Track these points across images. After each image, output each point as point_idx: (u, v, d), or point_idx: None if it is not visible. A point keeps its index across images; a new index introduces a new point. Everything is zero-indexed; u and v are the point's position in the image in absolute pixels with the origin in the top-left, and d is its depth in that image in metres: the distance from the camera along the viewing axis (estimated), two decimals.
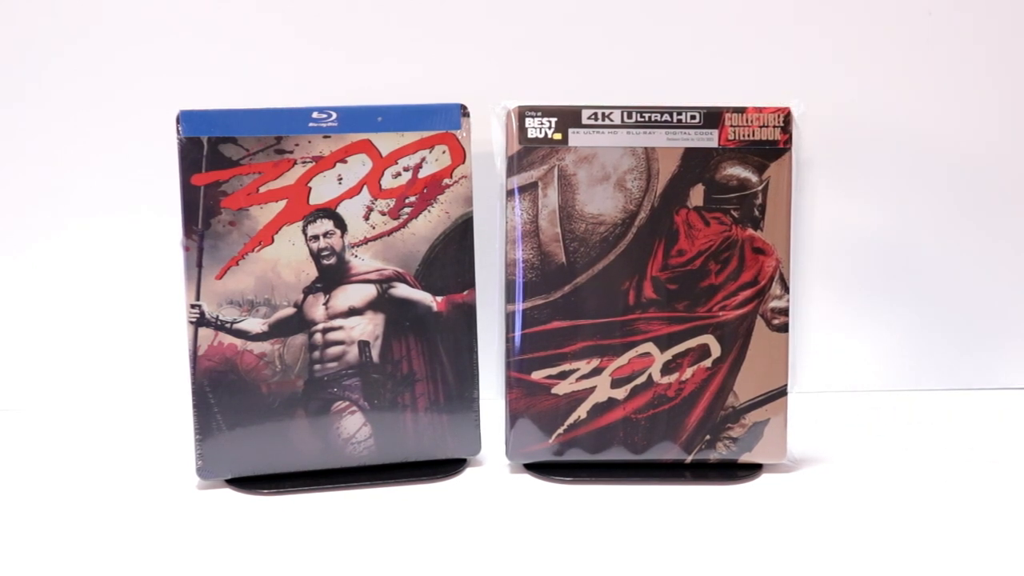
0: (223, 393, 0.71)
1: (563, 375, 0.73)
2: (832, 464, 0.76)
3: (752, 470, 0.74)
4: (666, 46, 0.88)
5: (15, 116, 0.87)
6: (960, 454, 0.79)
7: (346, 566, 0.61)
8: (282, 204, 0.71)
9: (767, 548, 0.63)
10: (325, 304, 0.72)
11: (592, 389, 0.73)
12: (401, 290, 0.73)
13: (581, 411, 0.73)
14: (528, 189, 0.73)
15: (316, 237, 0.72)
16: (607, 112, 0.72)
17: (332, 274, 0.72)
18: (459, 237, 0.74)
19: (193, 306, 0.71)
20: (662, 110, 0.72)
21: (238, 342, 0.71)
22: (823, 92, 0.89)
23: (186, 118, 0.70)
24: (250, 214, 0.71)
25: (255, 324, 0.72)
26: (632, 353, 0.73)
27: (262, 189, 0.71)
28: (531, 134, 0.72)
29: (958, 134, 0.91)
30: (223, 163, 0.70)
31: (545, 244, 0.73)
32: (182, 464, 0.74)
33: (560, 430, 0.73)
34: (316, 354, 0.72)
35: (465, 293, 0.74)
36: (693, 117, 0.72)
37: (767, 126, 0.72)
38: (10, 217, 0.89)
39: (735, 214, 0.73)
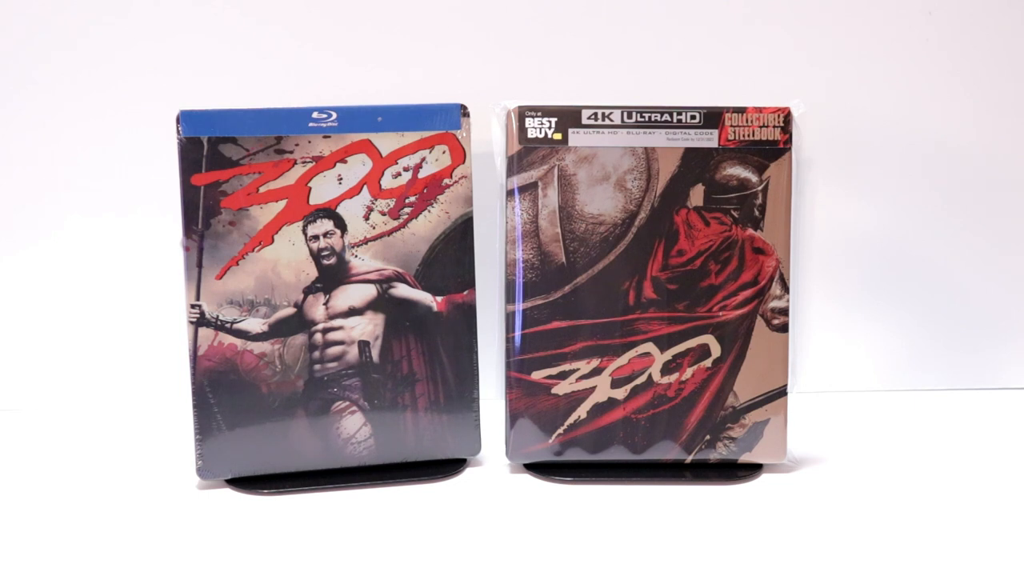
0: (223, 393, 0.71)
1: (563, 375, 0.73)
2: (832, 464, 0.76)
3: (752, 470, 0.74)
4: (666, 46, 0.88)
5: (15, 116, 0.87)
6: (960, 454, 0.79)
7: (346, 566, 0.61)
8: (282, 204, 0.71)
9: (767, 548, 0.63)
10: (325, 304, 0.72)
11: (592, 389, 0.73)
12: (401, 290, 0.73)
13: (581, 411, 0.73)
14: (528, 189, 0.73)
15: (316, 237, 0.72)
16: (607, 112, 0.72)
17: (332, 274, 0.72)
18: (459, 237, 0.74)
19: (193, 306, 0.71)
20: (662, 110, 0.72)
21: (238, 342, 0.71)
22: (823, 92, 0.89)
23: (186, 118, 0.70)
24: (250, 214, 0.71)
25: (255, 324, 0.72)
26: (632, 353, 0.73)
27: (262, 189, 0.71)
28: (531, 134, 0.72)
29: (958, 134, 0.91)
30: (223, 163, 0.70)
31: (545, 244, 0.73)
32: (182, 464, 0.74)
33: (560, 430, 0.73)
34: (316, 354, 0.72)
35: (465, 293, 0.74)
36: (693, 117, 0.72)
37: (767, 126, 0.72)
38: (10, 217, 0.89)
39: (735, 214, 0.73)
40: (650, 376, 0.73)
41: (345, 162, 0.72)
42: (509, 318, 0.73)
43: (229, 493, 0.71)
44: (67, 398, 0.91)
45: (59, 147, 0.88)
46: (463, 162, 0.74)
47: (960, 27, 0.89)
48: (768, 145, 0.72)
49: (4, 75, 0.86)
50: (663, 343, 0.73)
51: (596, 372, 0.73)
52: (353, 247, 0.73)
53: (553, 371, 0.73)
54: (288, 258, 0.72)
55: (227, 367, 0.71)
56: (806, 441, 0.79)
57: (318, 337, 0.72)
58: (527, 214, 0.73)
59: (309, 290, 0.72)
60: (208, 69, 0.87)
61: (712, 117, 0.72)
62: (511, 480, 0.74)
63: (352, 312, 0.73)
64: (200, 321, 0.71)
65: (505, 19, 0.87)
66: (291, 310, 0.72)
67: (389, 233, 0.73)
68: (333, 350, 0.73)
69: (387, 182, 0.73)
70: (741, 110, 0.72)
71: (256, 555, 0.63)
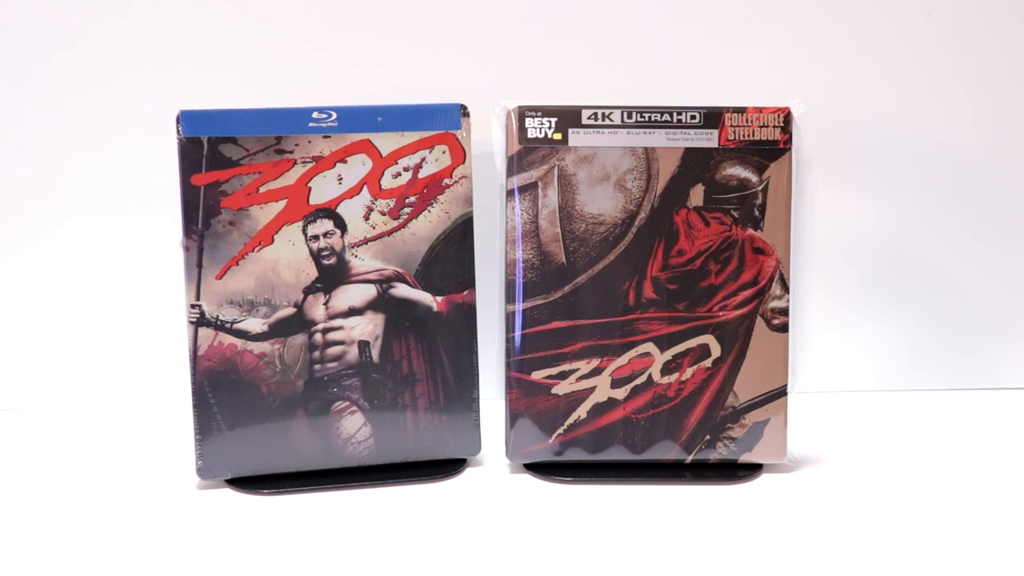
0: (223, 393, 0.71)
1: (563, 375, 0.73)
2: (832, 464, 0.76)
3: (752, 470, 0.74)
4: (666, 46, 0.88)
5: (15, 116, 0.87)
6: (960, 454, 0.79)
7: (346, 566, 0.61)
8: (282, 204, 0.71)
9: (767, 548, 0.63)
10: (325, 304, 0.72)
11: (592, 389, 0.73)
12: (401, 290, 0.73)
13: (581, 411, 0.73)
14: (528, 189, 0.73)
15: (316, 237, 0.72)
16: (607, 112, 0.72)
17: (332, 274, 0.72)
18: (459, 237, 0.74)
19: (193, 306, 0.71)
20: (662, 110, 0.72)
21: (238, 342, 0.71)
22: (823, 92, 0.89)
23: (186, 118, 0.70)
24: (250, 214, 0.71)
25: (255, 324, 0.72)
26: (632, 353, 0.73)
27: (262, 189, 0.71)
28: (531, 134, 0.72)
29: (958, 134, 0.91)
30: (223, 163, 0.70)
31: (545, 244, 0.73)
32: (182, 464, 0.74)
33: (560, 430, 0.73)
34: (316, 354, 0.72)
35: (465, 293, 0.74)
36: (693, 117, 0.72)
37: (767, 126, 0.72)
38: (9, 217, 0.89)
39: (735, 214, 0.73)
40: (650, 376, 0.73)
41: (345, 162, 0.72)
42: (509, 318, 0.73)
43: (229, 493, 0.71)
44: (67, 398, 0.91)
45: (59, 147, 0.88)
46: (463, 162, 0.74)
47: (960, 27, 0.89)
48: (768, 145, 0.72)
49: (4, 75, 0.86)
50: (663, 343, 0.73)
51: (596, 372, 0.73)
52: (353, 247, 0.73)
53: (553, 371, 0.73)
54: (288, 258, 0.72)
55: (227, 367, 0.71)
56: (806, 441, 0.79)
57: (318, 337, 0.72)
58: (527, 214, 0.73)
59: (309, 290, 0.72)
60: (208, 69, 0.87)
61: (712, 117, 0.72)
62: (511, 480, 0.74)
63: (352, 312, 0.73)
64: (200, 321, 0.71)
65: (505, 19, 0.87)
66: (291, 310, 0.72)
67: (389, 233, 0.73)
68: (333, 350, 0.73)
69: (387, 182, 0.73)
70: (741, 110, 0.72)
71: (256, 555, 0.63)
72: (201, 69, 0.87)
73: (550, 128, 0.72)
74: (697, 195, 0.73)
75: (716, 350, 0.73)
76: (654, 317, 0.73)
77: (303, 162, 0.71)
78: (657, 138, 0.72)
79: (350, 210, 0.72)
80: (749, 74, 0.88)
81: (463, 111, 0.73)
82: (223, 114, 0.70)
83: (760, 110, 0.72)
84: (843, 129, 0.90)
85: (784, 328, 0.73)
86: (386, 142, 0.72)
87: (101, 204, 0.88)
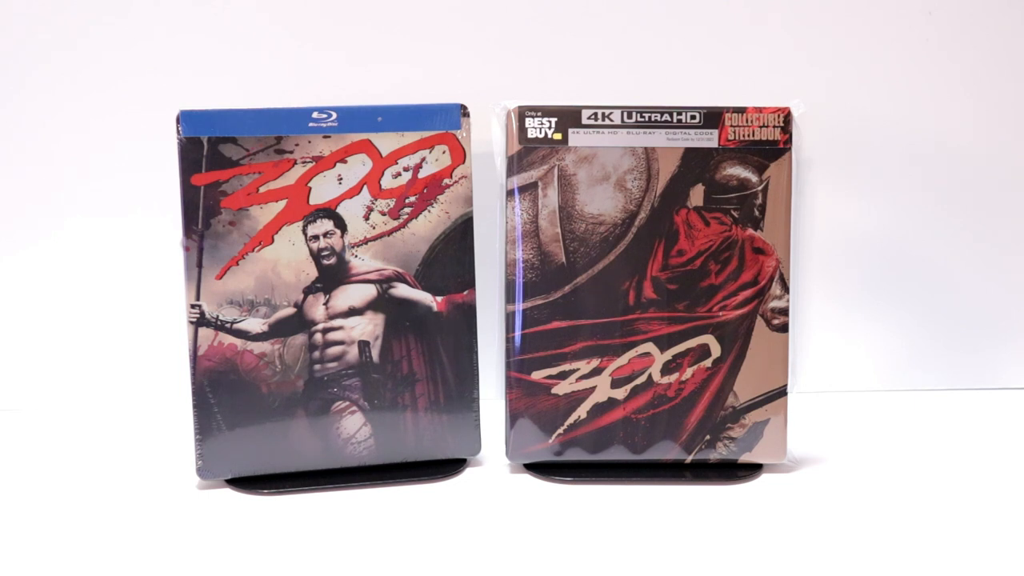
0: (223, 393, 0.71)
1: (563, 375, 0.73)
2: (832, 464, 0.76)
3: (752, 470, 0.74)
4: (666, 46, 0.88)
5: (15, 116, 0.87)
6: (960, 454, 0.79)
7: (346, 566, 0.61)
8: (282, 204, 0.71)
9: (767, 548, 0.63)
10: (325, 304, 0.72)
11: (592, 389, 0.73)
12: (401, 290, 0.73)
13: (581, 411, 0.73)
14: (528, 189, 0.73)
15: (316, 237, 0.72)
16: (607, 112, 0.72)
17: (332, 274, 0.72)
18: (459, 237, 0.74)
19: (193, 306, 0.71)
20: (662, 110, 0.72)
21: (238, 342, 0.71)
22: (823, 92, 0.89)
23: (186, 118, 0.70)
24: (250, 214, 0.71)
25: (255, 324, 0.72)
26: (632, 353, 0.73)
27: (262, 189, 0.71)
28: (531, 134, 0.72)
29: (958, 134, 0.91)
30: (223, 163, 0.70)
31: (545, 244, 0.73)
32: (182, 464, 0.74)
33: (560, 430, 0.73)
34: (316, 354, 0.72)
35: (465, 293, 0.74)
36: (693, 117, 0.72)
37: (767, 126, 0.72)
38: (10, 217, 0.89)
39: (735, 214, 0.73)
40: (650, 376, 0.73)
41: (345, 162, 0.72)
42: (509, 318, 0.73)
43: (229, 493, 0.71)
44: (67, 398, 0.91)
45: (59, 147, 0.88)
46: (463, 162, 0.74)
47: (960, 27, 0.89)
48: (768, 145, 0.72)
49: (4, 75, 0.86)
50: (663, 343, 0.73)
51: (596, 372, 0.73)
52: (353, 247, 0.73)
53: (553, 371, 0.73)
54: (288, 258, 0.72)
55: (227, 367, 0.71)
56: (806, 441, 0.79)
57: (318, 337, 0.72)
58: (527, 214, 0.73)
59: (309, 290, 0.72)
60: (208, 69, 0.87)
61: (712, 117, 0.72)
62: (511, 480, 0.74)
63: (352, 312, 0.73)
64: (200, 321, 0.71)
65: (505, 19, 0.87)
66: (291, 310, 0.72)
67: (389, 233, 0.73)
68: (333, 350, 0.73)
69: (387, 182, 0.73)
70: (741, 110, 0.72)
71: (256, 555, 0.63)
72: (201, 69, 0.87)
73: (550, 128, 0.72)
74: (697, 195, 0.73)
75: (716, 350, 0.73)
76: (654, 317, 0.73)
77: (303, 162, 0.71)
78: (657, 138, 0.72)
79: (350, 210, 0.72)
80: (749, 74, 0.88)
81: (463, 111, 0.73)
82: (223, 114, 0.70)
83: (760, 110, 0.72)
84: (843, 129, 0.90)
85: (784, 328, 0.73)
86: (386, 142, 0.72)
87: (101, 204, 0.88)
